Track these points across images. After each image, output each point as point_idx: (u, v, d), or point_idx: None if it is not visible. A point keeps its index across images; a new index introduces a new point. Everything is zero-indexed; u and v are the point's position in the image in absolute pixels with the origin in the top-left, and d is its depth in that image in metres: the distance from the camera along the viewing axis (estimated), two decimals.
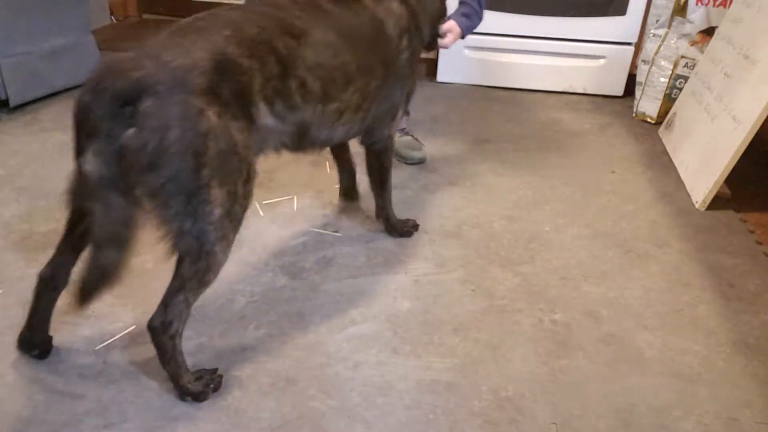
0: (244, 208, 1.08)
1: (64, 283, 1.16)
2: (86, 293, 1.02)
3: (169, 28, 1.06)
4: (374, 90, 1.33)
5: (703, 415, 1.15)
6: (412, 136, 2.06)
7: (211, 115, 0.97)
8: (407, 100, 1.54)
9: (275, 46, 1.10)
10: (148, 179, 0.94)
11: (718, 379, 1.24)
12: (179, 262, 1.03)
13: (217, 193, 1.00)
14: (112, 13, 3.27)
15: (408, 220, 1.67)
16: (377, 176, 1.58)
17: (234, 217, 1.05)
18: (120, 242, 0.99)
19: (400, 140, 2.02)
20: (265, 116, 1.10)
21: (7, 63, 2.11)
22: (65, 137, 2.04)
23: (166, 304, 1.05)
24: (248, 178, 1.07)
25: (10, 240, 1.52)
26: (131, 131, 0.91)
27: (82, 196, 1.00)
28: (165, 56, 0.95)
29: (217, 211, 1.01)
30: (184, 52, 0.97)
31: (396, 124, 1.53)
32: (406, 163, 2.01)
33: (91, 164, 0.94)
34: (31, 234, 1.55)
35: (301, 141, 1.25)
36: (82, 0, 2.40)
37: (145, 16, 3.41)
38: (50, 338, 1.21)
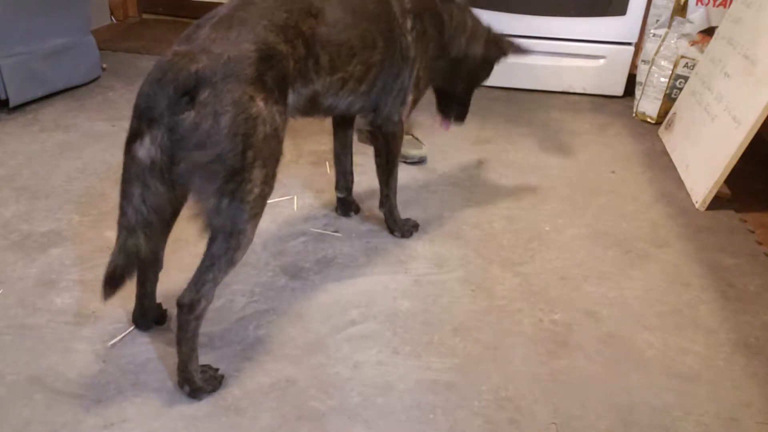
0: (272, 190, 1.15)
1: (160, 264, 1.27)
2: (113, 279, 1.08)
3: (209, 20, 1.11)
4: (377, 63, 1.39)
5: (703, 415, 1.15)
6: (412, 135, 2.06)
7: (260, 102, 1.06)
8: (418, 89, 1.55)
9: (301, 28, 1.19)
10: (194, 156, 1.01)
11: (718, 379, 1.24)
12: (211, 241, 1.09)
13: (258, 174, 1.07)
14: (112, 13, 3.27)
15: (408, 219, 1.67)
16: (384, 162, 1.59)
17: (265, 198, 1.12)
18: (151, 229, 1.07)
19: None
20: (290, 95, 1.19)
21: (7, 63, 2.11)
22: (65, 137, 2.04)
23: (196, 282, 1.10)
24: (279, 160, 1.16)
25: (10, 240, 1.52)
26: (188, 114, 1.00)
27: (129, 182, 1.06)
28: (216, 49, 1.04)
29: (255, 191, 1.08)
30: (232, 44, 1.06)
31: (406, 110, 1.54)
32: (406, 162, 2.01)
33: (145, 150, 1.02)
34: (31, 234, 1.55)
35: (307, 109, 1.33)
36: (82, 0, 2.40)
37: (145, 16, 3.41)
38: (161, 308, 1.31)
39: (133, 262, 1.09)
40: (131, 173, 1.04)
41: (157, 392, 1.14)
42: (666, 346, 1.31)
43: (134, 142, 1.04)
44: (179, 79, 1.00)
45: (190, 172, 1.03)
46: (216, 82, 1.01)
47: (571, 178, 1.99)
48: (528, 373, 1.23)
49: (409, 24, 1.45)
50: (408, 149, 2.00)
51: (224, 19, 1.10)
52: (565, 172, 2.03)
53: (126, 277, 1.09)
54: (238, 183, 1.04)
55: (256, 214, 1.10)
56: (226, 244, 1.08)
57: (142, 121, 1.04)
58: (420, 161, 2.01)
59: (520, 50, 1.68)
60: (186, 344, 1.11)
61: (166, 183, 1.04)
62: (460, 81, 1.67)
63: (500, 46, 1.65)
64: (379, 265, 1.52)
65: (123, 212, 1.07)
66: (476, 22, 1.61)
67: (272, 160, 1.11)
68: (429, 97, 2.61)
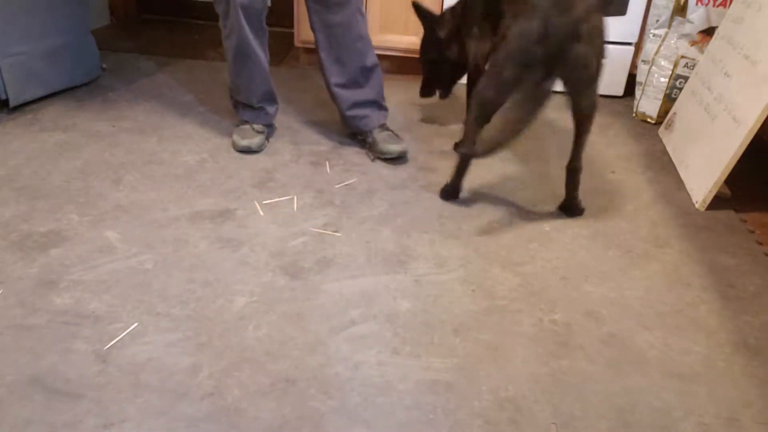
0: None
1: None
2: (490, 143, 1.53)
3: None
4: None
5: (704, 416, 1.15)
6: (391, 131, 2.05)
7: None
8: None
9: None
10: (582, 74, 1.51)
11: (719, 380, 1.24)
12: (586, 121, 1.64)
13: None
14: (111, 14, 3.27)
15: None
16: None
17: None
18: (530, 106, 1.50)
19: (379, 135, 2.01)
20: None
21: (6, 63, 2.11)
22: (65, 137, 2.04)
23: (580, 152, 1.68)
24: None
25: (10, 240, 1.52)
26: (578, 45, 1.44)
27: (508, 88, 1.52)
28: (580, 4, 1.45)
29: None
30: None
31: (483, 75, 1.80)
32: (385, 158, 2.00)
33: (540, 70, 1.47)
34: (31, 234, 1.55)
35: None
36: (81, 0, 2.40)
37: (145, 16, 3.41)
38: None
39: (509, 131, 1.55)
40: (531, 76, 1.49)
41: (158, 392, 1.13)
42: (666, 346, 1.31)
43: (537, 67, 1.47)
44: (569, 20, 1.42)
45: (576, 85, 1.54)
46: (591, 19, 1.45)
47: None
48: (528, 373, 1.23)
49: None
50: (386, 144, 1.99)
51: None
52: (564, 172, 2.02)
53: (501, 145, 1.58)
54: (597, 85, 1.57)
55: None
56: (592, 121, 1.64)
57: (545, 54, 1.44)
58: (399, 156, 2.00)
59: None
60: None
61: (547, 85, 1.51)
62: None
63: None
64: (379, 265, 1.52)
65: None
66: None
67: None
68: (421, 99, 2.61)
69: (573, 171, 1.72)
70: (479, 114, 1.62)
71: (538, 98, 1.51)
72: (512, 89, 1.51)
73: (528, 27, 1.45)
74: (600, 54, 1.51)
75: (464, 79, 2.23)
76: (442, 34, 2.03)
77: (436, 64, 2.15)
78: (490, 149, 1.58)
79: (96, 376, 1.16)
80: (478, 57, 1.91)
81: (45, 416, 1.07)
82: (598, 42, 1.49)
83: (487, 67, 1.69)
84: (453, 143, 2.13)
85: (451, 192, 1.81)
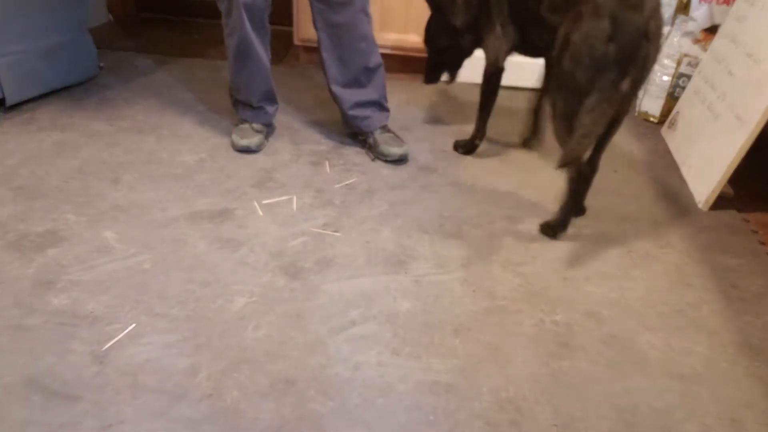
0: None
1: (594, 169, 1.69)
2: (572, 153, 1.50)
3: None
4: None
5: (706, 417, 1.14)
6: (393, 132, 2.04)
7: None
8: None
9: None
10: (644, 75, 1.48)
11: (721, 381, 1.23)
12: (621, 119, 1.59)
13: None
14: (109, 12, 3.25)
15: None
16: None
17: None
18: (606, 109, 1.46)
19: (380, 137, 2.00)
20: None
21: (3, 62, 2.09)
22: (62, 136, 2.03)
23: (602, 151, 1.66)
24: None
25: (7, 240, 1.51)
26: (648, 44, 1.41)
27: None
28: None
29: None
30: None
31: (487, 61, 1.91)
32: (386, 160, 1.99)
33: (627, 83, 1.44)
34: (28, 234, 1.54)
35: None
36: None
37: (144, 14, 3.40)
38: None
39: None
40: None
41: (156, 394, 1.13)
42: (668, 347, 1.30)
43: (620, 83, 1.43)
44: (643, 21, 1.40)
45: (635, 86, 1.47)
46: (659, 20, 1.45)
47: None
48: (529, 374, 1.22)
49: None
50: (387, 147, 1.98)
51: None
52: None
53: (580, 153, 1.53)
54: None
55: None
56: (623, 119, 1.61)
57: (624, 58, 1.41)
58: (400, 159, 1.99)
59: None
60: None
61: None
62: None
63: None
64: (379, 265, 1.51)
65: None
66: None
67: None
68: (424, 93, 2.60)
69: (591, 170, 1.67)
70: (563, 125, 1.54)
71: (614, 100, 1.45)
72: (587, 93, 1.45)
73: (595, 26, 1.41)
74: (658, 53, 1.50)
75: (468, 77, 2.23)
76: (457, 22, 1.91)
77: (444, 50, 2.04)
78: (574, 159, 1.53)
79: (94, 377, 1.15)
80: (500, 58, 1.88)
81: (43, 417, 1.07)
82: (660, 41, 1.47)
83: (553, 74, 1.61)
84: (451, 142, 2.12)
85: (559, 227, 1.66)
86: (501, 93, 1.98)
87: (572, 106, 1.49)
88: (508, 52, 1.88)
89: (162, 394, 1.13)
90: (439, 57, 2.08)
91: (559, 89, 1.55)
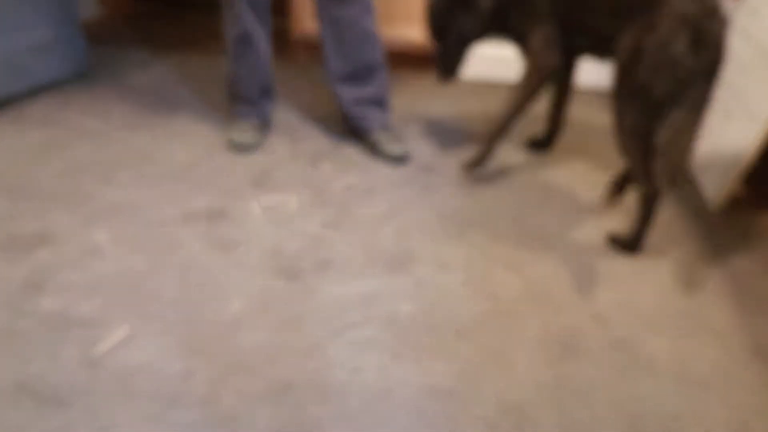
0: None
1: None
2: (672, 172, 1.44)
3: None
4: None
5: (714, 423, 1.12)
6: (393, 132, 2.02)
7: None
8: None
9: None
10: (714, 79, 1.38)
11: (731, 386, 1.20)
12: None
13: None
14: (101, 4, 3.20)
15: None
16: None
17: None
18: (697, 118, 1.40)
19: (381, 135, 1.98)
20: None
21: None
22: (52, 134, 2.00)
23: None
24: None
25: None
26: (718, 51, 1.35)
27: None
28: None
29: None
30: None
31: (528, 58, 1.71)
32: (386, 159, 1.96)
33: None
34: (18, 235, 1.50)
35: None
36: None
37: (137, 7, 3.34)
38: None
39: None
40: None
41: (150, 398, 1.10)
42: (677, 351, 1.28)
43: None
44: (718, 27, 1.36)
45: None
46: (726, 23, 1.38)
47: (576, 177, 1.96)
48: (533, 378, 1.19)
49: None
50: (389, 146, 1.95)
51: None
52: (570, 171, 1.99)
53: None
54: None
55: None
56: None
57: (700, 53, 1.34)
58: (400, 158, 1.96)
59: None
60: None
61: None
62: None
63: None
64: (379, 266, 1.48)
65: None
66: None
67: None
68: (424, 92, 2.57)
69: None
70: (634, 141, 1.46)
71: (702, 108, 1.38)
72: (668, 108, 1.38)
73: (678, 37, 1.33)
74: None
75: (470, 75, 2.20)
76: (485, 3, 1.68)
77: (461, 38, 1.76)
78: (674, 178, 1.45)
79: (86, 381, 1.12)
80: (545, 71, 1.68)
81: (36, 422, 1.04)
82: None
83: (616, 86, 1.49)
84: (452, 141, 2.10)
85: (634, 244, 1.57)
86: (499, 90, 1.95)
87: (647, 120, 1.41)
88: (553, 67, 1.69)
89: (156, 398, 1.10)
90: (456, 47, 1.78)
91: (629, 103, 1.44)
